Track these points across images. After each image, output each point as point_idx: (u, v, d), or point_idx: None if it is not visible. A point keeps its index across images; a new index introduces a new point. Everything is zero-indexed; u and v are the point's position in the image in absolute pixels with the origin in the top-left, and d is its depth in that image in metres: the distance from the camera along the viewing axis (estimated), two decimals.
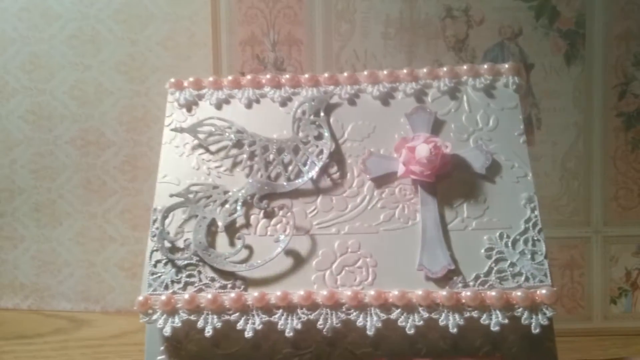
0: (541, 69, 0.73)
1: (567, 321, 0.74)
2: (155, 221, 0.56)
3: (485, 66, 0.61)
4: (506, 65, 0.61)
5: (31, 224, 0.84)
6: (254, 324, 0.50)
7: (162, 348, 0.52)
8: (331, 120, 0.60)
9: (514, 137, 0.58)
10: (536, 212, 0.54)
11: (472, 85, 0.60)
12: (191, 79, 0.63)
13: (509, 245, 0.53)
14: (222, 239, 0.55)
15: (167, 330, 0.51)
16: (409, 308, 0.50)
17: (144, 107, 0.82)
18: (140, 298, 0.52)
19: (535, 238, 0.53)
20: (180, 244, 0.54)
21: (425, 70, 0.61)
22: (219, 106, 0.62)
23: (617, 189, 0.75)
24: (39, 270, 0.84)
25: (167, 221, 0.55)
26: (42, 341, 0.76)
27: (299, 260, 0.54)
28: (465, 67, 0.61)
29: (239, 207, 0.56)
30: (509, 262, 0.52)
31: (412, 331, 0.49)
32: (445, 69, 0.61)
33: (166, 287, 0.53)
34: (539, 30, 0.72)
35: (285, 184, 0.57)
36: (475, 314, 0.50)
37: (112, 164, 0.83)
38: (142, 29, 0.80)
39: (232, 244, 0.55)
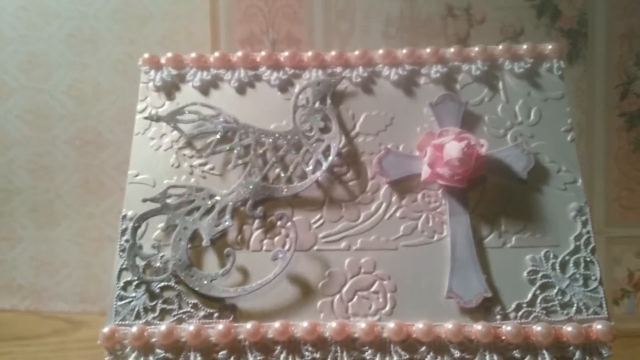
0: None
1: None
2: (124, 232, 0.45)
3: (525, 46, 0.51)
4: (550, 46, 0.51)
5: (29, 224, 0.82)
6: None
7: None
8: (340, 109, 0.50)
9: (560, 133, 0.48)
10: (588, 227, 0.45)
11: (509, 69, 0.50)
12: (169, 55, 0.52)
13: (557, 267, 0.44)
14: (207, 256, 0.45)
15: None
16: (437, 346, 0.41)
17: None
18: (106, 330, 0.42)
19: (588, 259, 0.44)
20: (155, 261, 0.44)
21: (453, 50, 0.51)
22: (204, 90, 0.51)
23: (619, 190, 0.73)
24: (36, 271, 0.83)
25: (139, 232, 0.45)
26: (40, 342, 0.75)
27: (301, 283, 0.44)
28: (501, 47, 0.51)
29: (228, 216, 0.46)
30: (557, 288, 0.43)
31: None
32: (477, 49, 0.51)
33: (138, 316, 0.43)
34: (541, 29, 0.71)
35: (284, 187, 0.47)
36: (517, 353, 0.41)
37: (111, 164, 0.81)
38: (140, 28, 0.78)
39: (220, 261, 0.45)
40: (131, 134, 0.50)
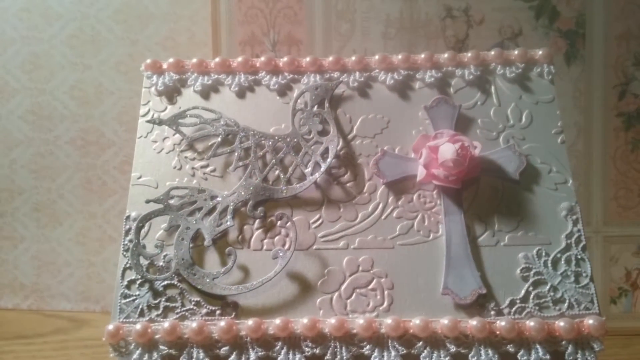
0: None
1: None
2: (128, 232, 0.47)
3: (517, 52, 0.53)
4: (540, 51, 0.53)
5: (31, 224, 0.83)
6: (248, 359, 0.42)
7: None
8: (338, 112, 0.52)
9: (551, 135, 0.50)
10: (579, 226, 0.46)
11: (501, 74, 0.52)
12: (171, 60, 0.54)
13: (549, 265, 0.45)
14: (209, 255, 0.46)
15: None
16: (434, 341, 0.42)
17: None
18: (110, 327, 0.43)
19: (579, 257, 0.45)
20: (159, 260, 0.46)
21: (446, 55, 0.53)
22: (205, 94, 0.53)
23: (617, 189, 0.74)
24: (39, 270, 0.84)
25: (142, 232, 0.46)
26: (42, 341, 0.75)
27: (301, 281, 0.45)
28: (493, 52, 0.53)
29: (229, 217, 0.47)
30: (549, 285, 0.44)
31: None
32: (470, 54, 0.53)
33: (142, 314, 0.44)
34: (539, 30, 0.72)
35: (284, 188, 0.48)
36: (511, 348, 0.42)
37: (112, 164, 0.82)
38: (142, 29, 0.79)
39: (221, 260, 0.46)
40: (133, 134, 0.52)
